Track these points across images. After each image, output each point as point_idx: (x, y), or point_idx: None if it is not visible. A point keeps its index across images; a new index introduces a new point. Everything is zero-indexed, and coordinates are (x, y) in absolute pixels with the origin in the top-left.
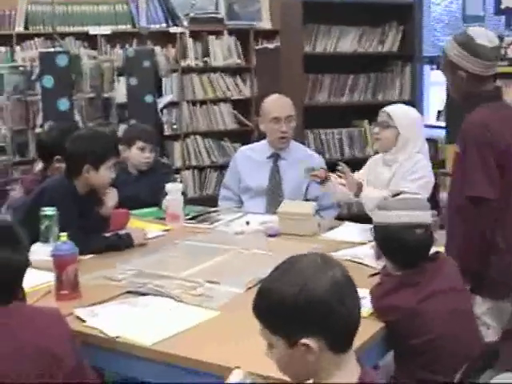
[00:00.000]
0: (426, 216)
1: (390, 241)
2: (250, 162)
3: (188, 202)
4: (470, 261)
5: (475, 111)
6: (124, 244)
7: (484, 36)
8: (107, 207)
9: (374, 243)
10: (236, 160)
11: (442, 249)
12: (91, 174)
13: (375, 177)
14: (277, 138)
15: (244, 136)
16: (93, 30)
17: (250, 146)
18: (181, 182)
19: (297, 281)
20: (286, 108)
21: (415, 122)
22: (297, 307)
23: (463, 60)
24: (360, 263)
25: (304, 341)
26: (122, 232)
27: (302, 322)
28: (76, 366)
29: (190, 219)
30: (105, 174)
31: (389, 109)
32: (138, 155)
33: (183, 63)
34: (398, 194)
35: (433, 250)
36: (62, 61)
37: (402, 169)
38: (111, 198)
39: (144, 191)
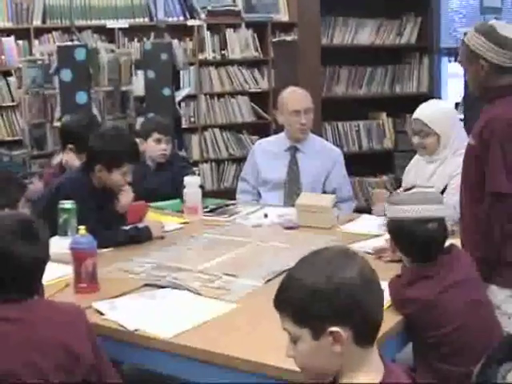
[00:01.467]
0: (438, 210)
1: (402, 235)
2: (267, 154)
3: (206, 194)
4: (488, 251)
5: (496, 105)
6: (143, 237)
7: (506, 27)
8: (121, 205)
9: (388, 237)
10: (254, 153)
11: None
12: (103, 174)
13: (416, 172)
14: (296, 129)
15: (262, 129)
16: (110, 24)
17: (267, 138)
18: (199, 174)
19: (325, 269)
20: (305, 100)
21: (450, 118)
22: (326, 294)
23: (485, 49)
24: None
25: (333, 328)
26: (141, 225)
27: (331, 310)
28: (95, 365)
29: (208, 212)
30: (116, 177)
31: (421, 115)
32: (154, 147)
33: (201, 56)
34: (410, 189)
35: (449, 241)
36: (79, 54)
37: (446, 169)
38: (125, 196)
39: (162, 184)
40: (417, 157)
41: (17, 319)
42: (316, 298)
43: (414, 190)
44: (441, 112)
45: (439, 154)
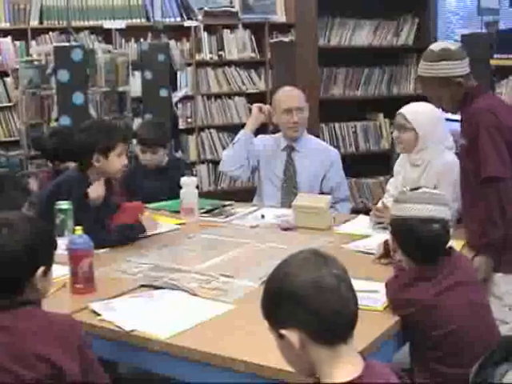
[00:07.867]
0: (444, 211)
1: (406, 234)
2: (265, 151)
3: (203, 195)
4: (491, 237)
5: (478, 100)
6: (137, 232)
7: (450, 44)
8: (92, 198)
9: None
10: (254, 142)
11: (456, 243)
12: (102, 162)
13: (404, 177)
14: (288, 127)
15: (259, 129)
16: (107, 24)
17: (265, 136)
18: (195, 175)
19: (279, 275)
20: (297, 99)
21: (433, 120)
22: (274, 299)
23: (453, 69)
24: (372, 254)
25: (282, 331)
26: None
27: (279, 314)
28: (82, 380)
29: (205, 213)
30: (115, 160)
31: (404, 110)
32: (140, 156)
33: (198, 57)
34: (416, 189)
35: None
36: (76, 55)
37: (433, 169)
38: (95, 188)
39: (163, 189)
40: (401, 158)
41: (1, 326)
42: (268, 302)
43: (420, 190)
44: (423, 111)
45: (419, 155)
